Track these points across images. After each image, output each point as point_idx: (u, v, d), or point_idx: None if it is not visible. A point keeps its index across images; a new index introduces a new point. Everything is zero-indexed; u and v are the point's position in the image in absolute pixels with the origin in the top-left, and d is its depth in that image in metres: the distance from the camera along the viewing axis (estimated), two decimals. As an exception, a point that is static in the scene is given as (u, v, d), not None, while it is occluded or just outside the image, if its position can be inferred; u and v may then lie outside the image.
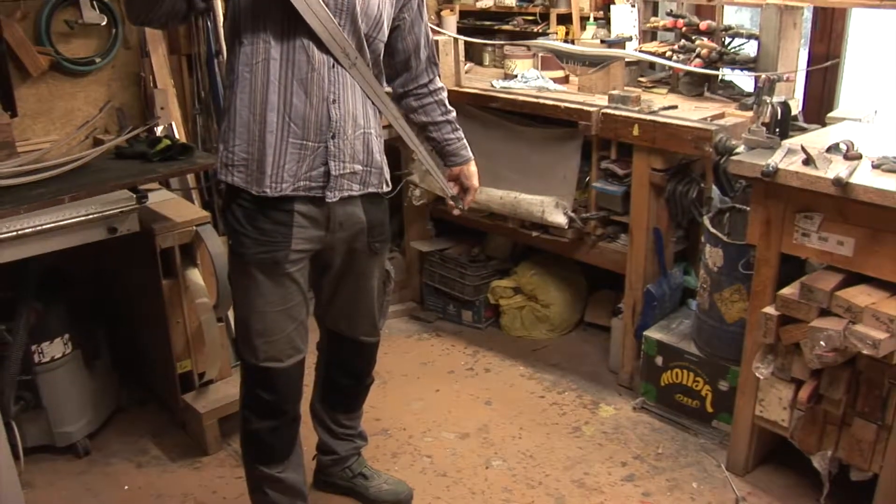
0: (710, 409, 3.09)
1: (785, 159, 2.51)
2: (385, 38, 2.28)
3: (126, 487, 2.97)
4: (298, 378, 2.44)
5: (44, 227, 2.57)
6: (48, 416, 3.04)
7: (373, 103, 2.26)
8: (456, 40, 3.65)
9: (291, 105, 2.12)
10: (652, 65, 3.68)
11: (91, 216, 2.67)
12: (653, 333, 3.21)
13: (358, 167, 2.25)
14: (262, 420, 2.42)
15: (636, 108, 3.14)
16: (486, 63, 4.27)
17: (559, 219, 3.36)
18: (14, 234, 2.52)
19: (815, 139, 2.66)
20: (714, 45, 3.31)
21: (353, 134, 2.21)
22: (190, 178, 3.53)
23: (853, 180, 2.33)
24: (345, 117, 2.18)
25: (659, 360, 3.19)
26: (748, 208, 2.87)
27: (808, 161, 2.46)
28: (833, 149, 2.53)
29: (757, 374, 2.69)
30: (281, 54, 2.09)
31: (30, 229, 2.55)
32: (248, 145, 2.15)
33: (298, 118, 2.13)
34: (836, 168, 2.40)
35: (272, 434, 2.45)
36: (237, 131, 2.16)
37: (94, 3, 3.35)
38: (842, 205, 2.41)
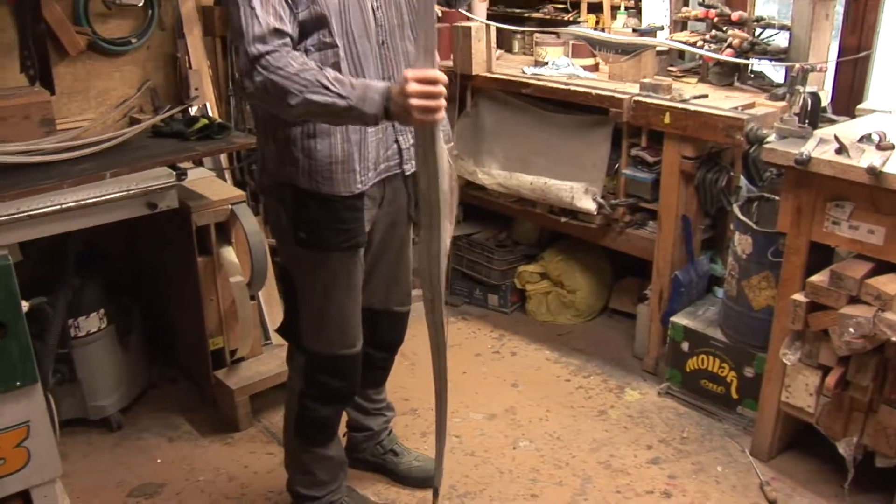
0: (735, 395, 3.12)
1: (817, 148, 2.54)
2: None
3: (159, 461, 3.03)
4: (361, 360, 2.48)
5: (87, 201, 2.62)
6: (83, 389, 3.11)
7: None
8: (488, 27, 3.68)
9: None
10: (682, 54, 3.70)
11: (132, 192, 2.71)
12: (679, 319, 3.25)
13: None
14: (327, 406, 2.47)
15: (668, 97, 3.17)
16: (516, 50, 4.29)
17: (588, 205, 3.40)
18: (58, 208, 2.56)
19: (846, 130, 2.68)
20: (746, 35, 3.33)
21: None
22: (223, 157, 3.57)
23: (886, 169, 2.36)
24: None
25: (685, 346, 3.22)
26: (777, 197, 2.90)
27: (841, 150, 2.48)
28: (865, 139, 2.55)
29: (784, 361, 2.72)
30: (345, 50, 2.09)
31: (73, 204, 2.60)
32: (332, 149, 2.14)
33: None
34: (869, 157, 2.42)
35: (335, 418, 2.52)
36: (318, 138, 2.14)
37: (132, -17, 3.40)
38: (873, 194, 2.43)
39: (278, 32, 1.95)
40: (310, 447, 2.54)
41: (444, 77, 1.90)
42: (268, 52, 1.92)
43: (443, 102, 1.89)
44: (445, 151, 1.99)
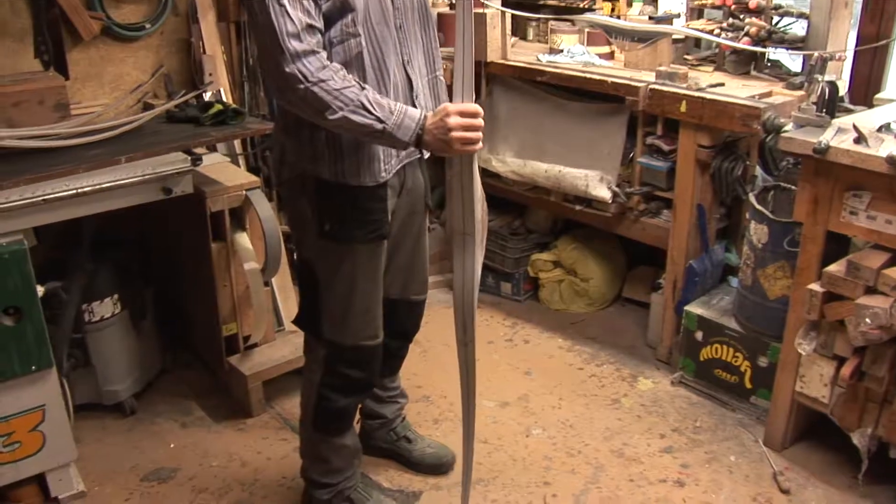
0: (748, 385, 3.12)
1: (836, 137, 2.52)
2: None
3: (172, 445, 3.05)
4: (381, 350, 2.48)
5: (102, 186, 2.62)
6: (97, 374, 3.12)
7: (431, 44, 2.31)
8: (503, 14, 3.67)
9: (384, 84, 2.12)
10: (697, 43, 3.68)
11: (147, 177, 2.71)
12: (694, 308, 3.24)
13: None
14: (347, 397, 2.46)
15: (684, 85, 3.15)
16: (531, 38, 4.27)
17: (603, 193, 3.39)
18: (73, 192, 2.57)
19: (864, 119, 2.66)
20: (763, 23, 3.31)
21: (426, 85, 2.28)
22: (237, 143, 3.57)
23: (905, 159, 2.34)
24: (420, 71, 2.24)
25: (699, 336, 3.21)
26: (793, 187, 2.89)
27: (860, 139, 2.46)
28: (884, 128, 2.54)
29: (799, 351, 2.71)
30: (366, 38, 2.07)
31: (88, 188, 2.60)
32: (358, 144, 2.14)
33: (391, 94, 2.14)
34: (888, 147, 2.41)
35: (353, 408, 2.53)
36: (346, 140, 2.13)
37: (146, -31, 3.39)
38: (892, 183, 2.42)
39: (311, 29, 1.95)
40: (327, 437, 2.53)
41: (481, 110, 2.00)
42: (304, 53, 1.92)
43: (481, 135, 2.00)
44: (479, 180, 2.05)
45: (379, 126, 1.95)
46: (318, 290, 2.33)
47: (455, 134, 1.95)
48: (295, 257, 4.00)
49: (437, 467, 2.87)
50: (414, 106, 2.18)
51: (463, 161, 2.00)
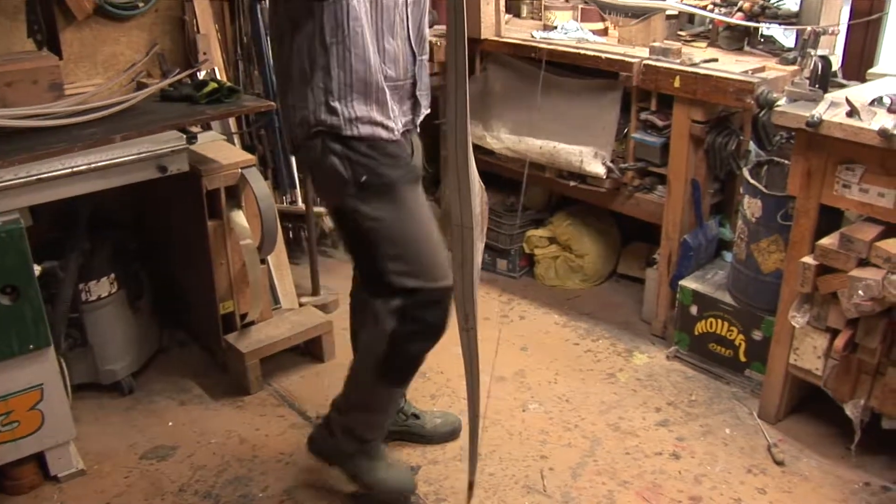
0: (743, 359, 3.14)
1: (829, 111, 2.53)
2: None
3: (170, 423, 3.06)
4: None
5: (97, 164, 2.62)
6: (94, 353, 3.13)
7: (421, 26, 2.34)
8: (497, -10, 3.67)
9: (385, 51, 2.18)
10: (691, 19, 3.68)
11: (142, 155, 2.71)
12: (688, 283, 3.26)
13: (426, 91, 2.37)
14: (423, 343, 2.39)
15: (677, 60, 3.15)
16: (525, 14, 4.26)
17: (597, 169, 3.40)
18: (69, 171, 2.57)
19: (857, 93, 2.66)
20: (756, -2, 3.32)
21: (424, 61, 2.33)
22: (232, 121, 3.57)
23: (897, 132, 2.35)
24: (420, 46, 2.30)
25: (694, 310, 3.23)
26: (786, 161, 2.90)
27: (853, 113, 2.47)
28: (877, 102, 2.54)
29: (793, 323, 2.73)
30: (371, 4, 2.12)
31: (83, 167, 2.60)
32: (367, 98, 2.17)
33: (391, 62, 2.20)
34: (881, 120, 2.41)
35: (426, 354, 2.44)
36: (354, 86, 2.16)
37: (139, -53, 3.38)
38: (884, 156, 2.43)
39: None
40: (392, 386, 2.50)
41: None
42: None
43: None
44: (476, 173, 1.99)
45: None
46: (375, 244, 2.27)
47: None
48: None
49: (450, 434, 2.92)
50: (414, 79, 2.29)
51: (458, 155, 1.96)
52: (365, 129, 2.19)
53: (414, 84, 2.31)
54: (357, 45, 2.12)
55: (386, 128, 2.22)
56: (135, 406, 3.17)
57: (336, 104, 2.16)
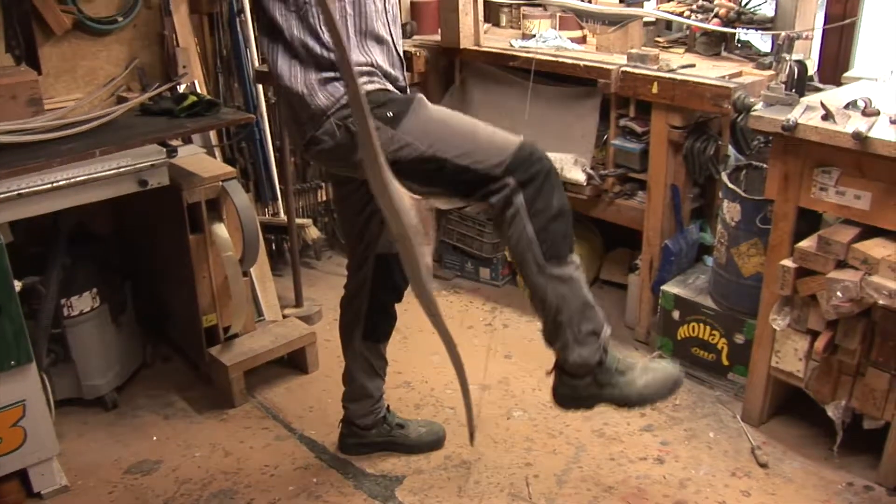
0: (725, 362, 3.16)
1: (804, 115, 2.55)
2: None
3: (154, 438, 3.05)
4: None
5: (77, 179, 2.62)
6: (77, 369, 3.12)
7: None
8: (475, 0, 3.68)
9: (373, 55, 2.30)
10: (669, 25, 3.70)
11: (122, 169, 2.72)
12: (670, 288, 3.27)
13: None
14: (557, 192, 2.25)
15: (655, 67, 3.18)
16: (503, 24, 4.28)
17: (578, 176, 3.41)
18: (49, 186, 2.57)
19: (832, 97, 2.70)
20: (732, 4, 3.34)
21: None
22: (212, 134, 3.57)
23: (872, 134, 2.37)
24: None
25: (676, 315, 3.25)
26: (764, 165, 2.92)
27: (828, 116, 2.50)
28: (851, 105, 2.58)
29: (774, 326, 2.75)
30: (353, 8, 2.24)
31: (63, 182, 2.60)
32: (361, 49, 2.28)
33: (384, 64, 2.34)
34: (855, 123, 2.44)
35: (567, 202, 2.30)
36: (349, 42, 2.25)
37: (117, -39, 3.39)
38: (859, 159, 2.45)
39: None
40: (564, 258, 2.29)
41: None
42: None
43: None
44: (399, 192, 2.00)
45: None
46: (444, 156, 2.21)
47: None
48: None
49: (435, 443, 2.92)
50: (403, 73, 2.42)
51: (376, 182, 1.97)
52: (368, 85, 2.23)
53: (404, 89, 2.41)
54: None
55: (387, 77, 2.31)
56: (119, 421, 3.15)
57: (335, 81, 2.22)
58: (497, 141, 2.25)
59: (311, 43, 2.21)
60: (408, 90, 2.42)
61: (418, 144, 2.20)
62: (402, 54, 2.44)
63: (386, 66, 2.32)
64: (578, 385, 2.38)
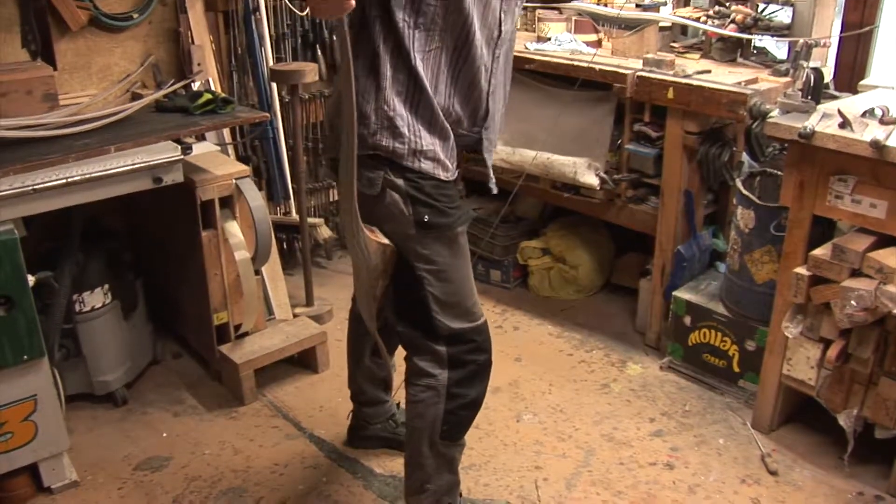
0: (736, 369, 3.15)
1: (821, 123, 2.55)
2: None
3: (164, 434, 3.05)
4: None
5: (92, 175, 2.63)
6: (87, 364, 3.12)
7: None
8: (490, 2, 3.67)
9: (458, 96, 2.14)
10: (684, 30, 3.69)
11: (137, 166, 2.72)
12: (682, 294, 3.27)
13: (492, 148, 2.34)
14: (478, 386, 2.34)
15: (671, 72, 3.17)
16: (519, 26, 4.28)
17: (591, 180, 3.41)
18: (64, 181, 2.57)
19: (849, 105, 2.68)
20: (749, 10, 3.33)
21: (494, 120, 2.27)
22: (226, 132, 3.57)
23: (889, 143, 2.37)
24: (496, 103, 2.24)
25: (687, 320, 3.24)
26: (779, 172, 2.92)
27: (845, 124, 2.49)
28: (868, 113, 2.56)
29: (786, 334, 2.74)
30: (455, 42, 2.06)
31: (78, 177, 2.61)
32: (432, 131, 2.11)
33: (463, 107, 2.16)
34: (873, 131, 2.43)
35: (483, 396, 2.39)
36: (423, 116, 2.09)
37: (134, -43, 3.39)
38: (876, 167, 2.45)
39: None
40: (458, 440, 2.41)
41: None
42: None
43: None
44: (367, 238, 2.08)
45: None
46: (426, 286, 2.20)
47: None
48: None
49: None
50: (484, 125, 2.23)
51: (347, 220, 2.02)
52: (427, 166, 2.11)
53: (479, 141, 2.26)
54: (432, 78, 2.07)
55: (446, 168, 2.16)
56: (128, 417, 3.16)
57: (404, 129, 2.08)
58: (467, 307, 2.26)
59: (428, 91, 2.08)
60: (484, 144, 2.27)
61: (420, 262, 2.19)
62: (496, 101, 2.24)
63: (464, 118, 2.19)
64: None
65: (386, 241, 2.14)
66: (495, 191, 2.40)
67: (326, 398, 3.23)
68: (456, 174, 2.23)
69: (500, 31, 2.13)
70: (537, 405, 3.17)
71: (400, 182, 2.11)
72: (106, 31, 3.44)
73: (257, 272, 3.22)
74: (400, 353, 2.46)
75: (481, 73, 2.12)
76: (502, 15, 2.12)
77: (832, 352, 2.63)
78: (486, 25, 2.09)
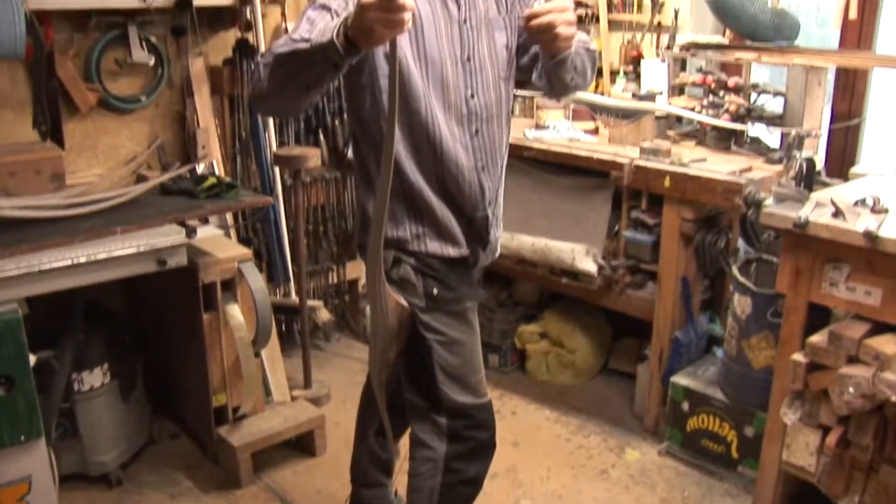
0: (735, 455, 3.14)
1: (815, 212, 2.60)
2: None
3: (160, 517, 3.03)
4: None
5: (97, 257, 2.66)
6: (83, 444, 3.10)
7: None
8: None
9: (445, 180, 2.16)
10: (679, 119, 3.78)
11: (142, 248, 2.75)
12: (680, 379, 3.27)
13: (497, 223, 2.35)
14: (477, 462, 2.36)
15: (667, 160, 3.24)
16: (517, 113, 4.36)
17: (589, 266, 3.44)
18: (69, 262, 2.60)
19: (841, 193, 2.74)
20: (742, 101, 3.42)
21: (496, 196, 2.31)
22: (229, 215, 3.62)
23: (882, 233, 2.41)
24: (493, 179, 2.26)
25: (685, 406, 3.24)
26: (775, 259, 2.96)
27: (838, 214, 2.54)
28: (860, 203, 2.62)
29: (785, 420, 2.74)
30: (412, 130, 2.10)
31: (83, 259, 2.63)
32: (423, 220, 2.17)
33: (454, 191, 2.19)
34: (865, 221, 2.48)
35: (484, 475, 2.41)
36: (414, 206, 2.16)
37: (143, 43, 3.47)
38: (870, 256, 2.49)
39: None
40: None
41: None
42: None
43: (402, 15, 1.67)
44: (389, 294, 2.09)
45: (304, 45, 1.82)
46: (435, 353, 2.22)
47: (371, 14, 1.67)
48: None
49: None
50: (487, 219, 2.24)
51: (375, 278, 2.00)
52: (433, 246, 2.17)
53: (486, 219, 2.26)
54: (405, 172, 2.11)
55: (455, 243, 2.20)
56: (123, 499, 3.12)
57: (402, 218, 2.16)
58: (472, 382, 2.28)
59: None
60: (490, 221, 2.27)
61: (430, 332, 2.20)
62: (491, 177, 2.24)
63: (460, 201, 2.20)
64: None
65: (405, 302, 2.16)
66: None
67: (324, 482, 3.21)
68: (468, 251, 2.24)
69: (468, 109, 2.14)
70: (536, 491, 3.15)
71: (411, 261, 2.17)
72: (114, 113, 3.53)
73: (257, 354, 3.23)
74: (404, 441, 2.44)
75: (457, 153, 2.13)
76: (468, 92, 2.14)
77: (831, 438, 2.63)
78: (450, 105, 2.11)
